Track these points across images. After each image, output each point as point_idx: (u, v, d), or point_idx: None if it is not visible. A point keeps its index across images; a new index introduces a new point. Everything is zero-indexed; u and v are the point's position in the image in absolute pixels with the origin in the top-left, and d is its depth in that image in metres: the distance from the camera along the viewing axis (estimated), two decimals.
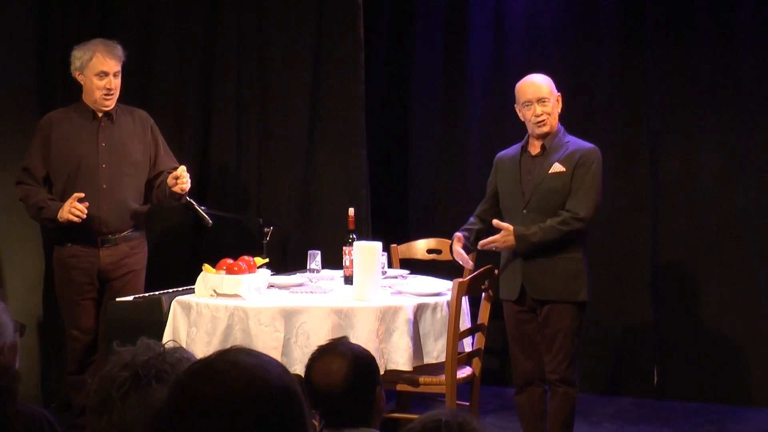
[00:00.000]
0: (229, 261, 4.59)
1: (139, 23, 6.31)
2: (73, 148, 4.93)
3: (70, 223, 4.77)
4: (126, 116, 5.06)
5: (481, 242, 4.55)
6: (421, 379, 4.48)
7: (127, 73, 6.26)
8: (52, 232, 5.11)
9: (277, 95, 6.08)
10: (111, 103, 4.96)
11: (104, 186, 4.91)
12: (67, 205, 4.76)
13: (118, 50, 4.98)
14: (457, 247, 4.59)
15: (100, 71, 4.89)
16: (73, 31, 6.13)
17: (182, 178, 4.84)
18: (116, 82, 4.95)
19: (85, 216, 4.75)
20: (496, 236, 4.48)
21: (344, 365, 2.77)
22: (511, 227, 4.44)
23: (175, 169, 4.95)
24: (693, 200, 5.93)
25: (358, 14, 5.79)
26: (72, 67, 4.97)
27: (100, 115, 4.96)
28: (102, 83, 4.91)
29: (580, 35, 6.10)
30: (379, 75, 6.39)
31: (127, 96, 6.25)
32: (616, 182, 5.95)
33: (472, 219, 4.74)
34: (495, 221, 4.52)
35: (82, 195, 4.76)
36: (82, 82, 4.96)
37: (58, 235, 5.01)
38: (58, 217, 4.78)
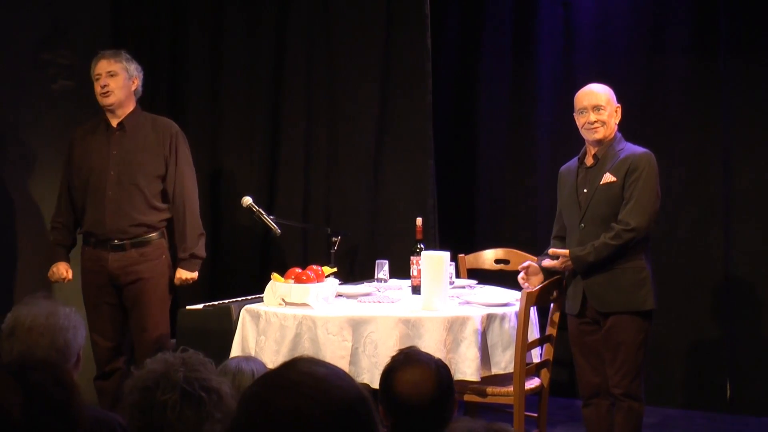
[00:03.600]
0: (298, 270, 4.62)
1: (209, 35, 6.40)
2: (87, 158, 5.09)
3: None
4: (145, 126, 5.13)
5: (544, 263, 4.54)
6: (489, 389, 4.46)
7: (197, 84, 6.41)
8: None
9: (345, 105, 6.10)
10: (109, 100, 5.06)
11: (109, 192, 4.99)
12: (56, 268, 5.10)
13: (110, 52, 5.16)
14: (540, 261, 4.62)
15: (96, 75, 5.10)
16: (146, 39, 6.24)
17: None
18: (111, 81, 5.07)
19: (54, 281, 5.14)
20: (556, 262, 4.47)
21: (431, 375, 2.77)
22: (567, 252, 4.42)
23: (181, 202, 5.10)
24: (766, 214, 5.81)
25: (426, 24, 5.78)
26: None
27: (114, 125, 5.08)
28: (98, 84, 5.09)
29: (651, 46, 6.00)
30: (447, 84, 6.38)
31: (197, 108, 6.38)
32: (688, 195, 5.86)
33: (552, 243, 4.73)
34: (551, 250, 4.50)
35: (70, 278, 5.11)
36: None
37: (81, 241, 5.21)
38: (51, 268, 5.14)
